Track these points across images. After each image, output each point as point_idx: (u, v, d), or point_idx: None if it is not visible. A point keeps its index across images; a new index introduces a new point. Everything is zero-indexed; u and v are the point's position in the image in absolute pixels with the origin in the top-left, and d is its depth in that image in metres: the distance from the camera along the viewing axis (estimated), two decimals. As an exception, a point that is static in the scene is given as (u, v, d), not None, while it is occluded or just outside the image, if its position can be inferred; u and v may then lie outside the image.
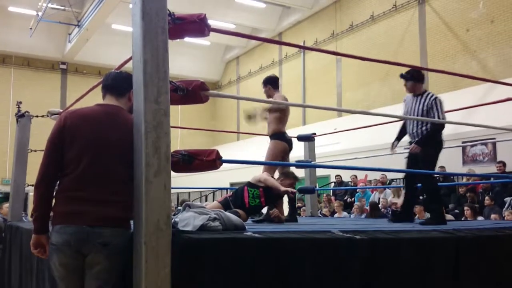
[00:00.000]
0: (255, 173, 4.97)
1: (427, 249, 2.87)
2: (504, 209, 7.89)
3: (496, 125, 4.59)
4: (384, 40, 16.38)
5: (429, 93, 4.72)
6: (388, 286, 2.66)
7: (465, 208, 7.97)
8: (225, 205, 4.45)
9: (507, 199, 8.03)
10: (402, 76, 4.81)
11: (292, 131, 6.07)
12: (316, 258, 2.48)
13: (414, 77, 4.76)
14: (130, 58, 2.31)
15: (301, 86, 19.98)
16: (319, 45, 18.57)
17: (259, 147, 19.91)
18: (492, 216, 7.49)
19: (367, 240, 2.65)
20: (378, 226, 4.11)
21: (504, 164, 8.89)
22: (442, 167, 9.77)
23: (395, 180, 12.21)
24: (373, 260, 2.63)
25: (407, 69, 4.77)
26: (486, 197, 8.53)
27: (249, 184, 4.73)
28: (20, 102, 5.75)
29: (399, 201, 10.29)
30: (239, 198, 4.60)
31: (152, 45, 2.14)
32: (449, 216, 8.53)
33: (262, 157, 5.53)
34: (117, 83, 2.52)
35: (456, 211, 9.21)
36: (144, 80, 2.12)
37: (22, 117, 5.60)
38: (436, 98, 4.65)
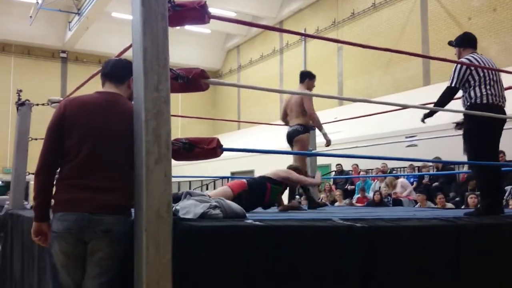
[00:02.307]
0: (254, 162, 4.98)
1: (427, 237, 2.87)
2: (504, 197, 7.89)
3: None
4: (386, 28, 16.29)
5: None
6: (388, 274, 2.66)
7: (470, 196, 7.94)
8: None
9: (508, 188, 8.03)
10: (449, 43, 4.44)
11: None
12: (316, 245, 2.48)
13: (457, 42, 4.32)
14: (130, 46, 2.30)
15: (302, 74, 19.90)
16: (320, 34, 18.48)
17: (259, 136, 19.91)
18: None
19: (367, 228, 2.65)
20: (379, 214, 4.11)
21: (504, 153, 8.87)
22: (437, 157, 9.77)
23: (395, 169, 12.22)
24: (373, 248, 2.63)
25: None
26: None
27: (270, 180, 4.62)
28: (21, 91, 5.74)
29: (398, 191, 10.32)
30: (259, 194, 4.50)
31: (152, 32, 2.12)
32: (449, 205, 8.55)
33: (262, 146, 5.55)
34: (116, 70, 2.51)
35: (457, 199, 9.23)
36: (144, 67, 2.11)
37: (22, 105, 5.59)
38: (457, 64, 4.06)
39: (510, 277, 3.19)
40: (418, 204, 9.11)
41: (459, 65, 4.05)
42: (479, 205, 4.38)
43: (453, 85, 4.07)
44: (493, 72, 4.10)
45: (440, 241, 2.91)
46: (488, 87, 4.00)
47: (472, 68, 4.02)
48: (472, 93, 4.03)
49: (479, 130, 3.97)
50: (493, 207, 3.86)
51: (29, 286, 4.00)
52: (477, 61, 4.06)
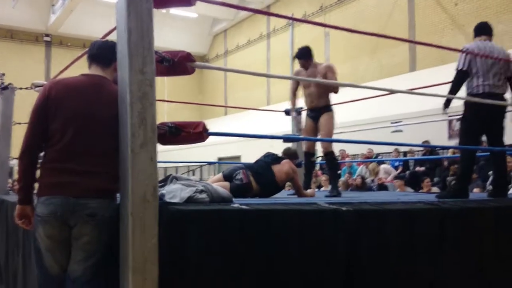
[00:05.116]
0: (241, 148, 4.93)
1: (412, 220, 2.90)
2: (488, 183, 7.99)
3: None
4: (373, 13, 16.28)
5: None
6: (373, 257, 2.69)
7: (452, 181, 8.04)
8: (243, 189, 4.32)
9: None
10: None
11: (279, 105, 6.04)
12: (302, 229, 2.50)
13: (474, 33, 4.41)
14: (115, 28, 2.26)
15: (289, 60, 19.80)
16: (307, 19, 18.41)
17: (246, 121, 19.87)
18: (475, 189, 7.59)
19: (353, 211, 2.67)
20: (364, 198, 4.15)
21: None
22: (426, 141, 9.88)
23: (381, 154, 12.32)
24: (359, 231, 2.65)
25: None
26: (470, 171, 8.62)
27: (274, 180, 4.59)
28: (3, 74, 5.66)
29: (382, 176, 10.41)
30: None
31: (136, 14, 2.09)
32: (434, 189, 8.66)
33: (249, 131, 5.50)
34: (103, 52, 2.47)
35: (440, 184, 9.35)
36: (128, 49, 2.08)
37: (5, 89, 5.51)
38: (463, 49, 4.19)
39: (491, 260, 3.24)
40: (398, 189, 9.21)
41: (465, 49, 4.17)
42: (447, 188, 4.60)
43: (460, 67, 4.16)
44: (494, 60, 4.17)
45: (425, 225, 2.94)
46: (484, 77, 4.12)
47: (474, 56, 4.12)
48: (469, 83, 4.17)
49: (468, 117, 4.16)
50: (462, 191, 4.03)
51: (14, 271, 3.98)
52: (479, 48, 4.16)
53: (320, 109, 5.10)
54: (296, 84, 5.43)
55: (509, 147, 8.09)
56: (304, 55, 5.08)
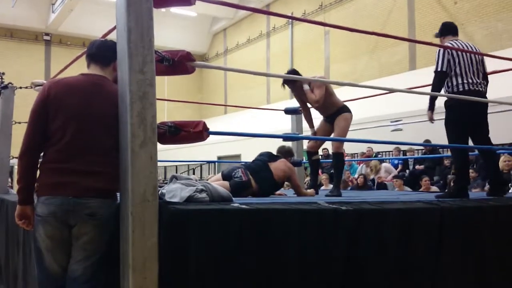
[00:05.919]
0: (241, 147, 4.91)
1: (411, 219, 2.90)
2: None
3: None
4: (372, 12, 16.28)
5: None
6: (372, 256, 2.69)
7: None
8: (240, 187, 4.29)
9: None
10: (436, 36, 4.43)
11: (279, 104, 6.03)
12: (302, 229, 2.50)
13: (440, 32, 4.38)
14: (115, 27, 2.26)
15: (289, 59, 19.86)
16: (307, 17, 18.40)
17: (246, 120, 19.85)
18: (474, 190, 7.58)
19: (352, 211, 2.67)
20: (364, 197, 4.15)
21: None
22: (428, 140, 9.87)
23: (380, 153, 12.31)
24: (358, 230, 2.66)
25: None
26: (470, 170, 8.62)
27: (271, 178, 4.59)
28: (3, 73, 5.65)
29: (382, 175, 10.40)
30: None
31: (136, 13, 2.09)
32: (434, 188, 8.66)
33: (249, 130, 5.48)
34: (102, 52, 2.46)
35: (441, 182, 9.34)
36: (128, 49, 2.08)
37: (5, 88, 5.50)
38: (440, 49, 4.12)
39: (491, 259, 3.25)
40: (396, 188, 9.20)
41: (442, 50, 4.11)
42: (446, 189, 4.53)
43: (439, 69, 4.11)
44: (472, 57, 4.15)
45: (424, 224, 2.95)
46: (465, 75, 4.08)
47: (454, 55, 4.08)
48: (449, 83, 4.12)
49: (453, 118, 4.10)
50: (462, 192, 3.99)
51: (14, 271, 3.98)
52: (457, 46, 4.15)
53: (332, 114, 5.08)
54: (306, 112, 5.38)
55: (508, 146, 8.11)
56: (288, 81, 4.95)
